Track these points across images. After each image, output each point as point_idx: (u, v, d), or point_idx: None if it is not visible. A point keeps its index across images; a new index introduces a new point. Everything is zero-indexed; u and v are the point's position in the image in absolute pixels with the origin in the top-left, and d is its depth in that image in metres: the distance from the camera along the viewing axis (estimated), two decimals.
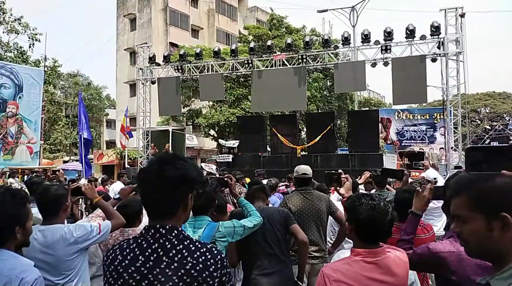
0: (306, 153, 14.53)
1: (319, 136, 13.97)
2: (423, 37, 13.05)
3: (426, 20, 13.55)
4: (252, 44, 15.55)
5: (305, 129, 17.22)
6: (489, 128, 33.78)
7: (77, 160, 26.13)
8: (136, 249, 1.35)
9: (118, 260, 1.36)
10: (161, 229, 1.35)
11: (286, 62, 14.82)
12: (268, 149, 15.57)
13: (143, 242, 1.36)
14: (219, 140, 19.45)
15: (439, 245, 1.91)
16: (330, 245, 3.94)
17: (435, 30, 12.79)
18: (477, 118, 40.30)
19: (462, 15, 12.95)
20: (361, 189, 4.90)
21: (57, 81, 30.04)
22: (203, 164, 16.34)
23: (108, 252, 1.42)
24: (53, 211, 2.50)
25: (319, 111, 22.52)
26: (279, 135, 14.70)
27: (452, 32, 13.12)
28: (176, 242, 1.35)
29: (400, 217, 2.77)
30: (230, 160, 15.17)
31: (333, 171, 2.64)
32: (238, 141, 15.40)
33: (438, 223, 4.91)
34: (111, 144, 34.27)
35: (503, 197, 1.00)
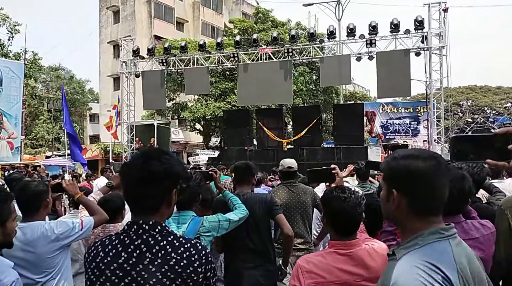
0: (292, 146, 14.58)
1: (305, 130, 14.03)
2: (407, 32, 13.19)
3: (410, 14, 13.69)
4: (237, 38, 15.45)
5: (291, 123, 17.26)
6: (471, 121, 34.48)
7: (60, 156, 25.67)
8: (119, 246, 1.33)
9: (100, 257, 1.33)
10: (144, 225, 1.33)
11: (272, 56, 14.78)
12: (255, 142, 15.56)
13: (126, 238, 1.33)
14: (208, 143, 19.38)
15: None
16: (315, 237, 3.99)
17: (419, 24, 12.94)
18: (459, 111, 41.09)
19: (445, 10, 13.13)
20: (346, 182, 4.94)
21: (38, 75, 29.33)
22: (190, 159, 16.26)
23: (90, 249, 1.39)
24: (33, 208, 2.44)
25: (305, 104, 22.59)
26: (265, 129, 14.70)
27: (435, 26, 13.30)
28: (159, 238, 1.32)
29: None
30: (216, 155, 15.15)
31: (323, 168, 2.60)
32: (220, 138, 15.38)
33: None
34: (94, 138, 33.75)
35: (397, 176, 1.17)
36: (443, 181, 1.14)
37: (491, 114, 39.37)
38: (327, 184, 2.61)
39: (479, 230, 1.96)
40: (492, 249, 1.98)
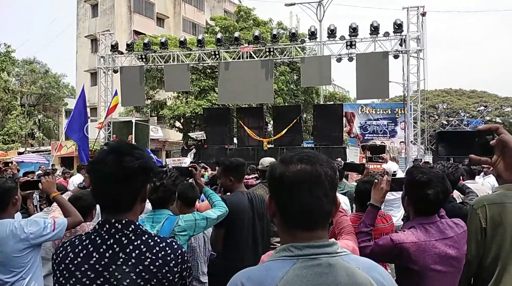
0: (273, 146, 14.62)
1: (286, 129, 14.09)
2: (386, 34, 13.43)
3: (390, 17, 14.00)
4: (219, 35, 15.36)
5: (271, 122, 17.29)
6: (446, 123, 35.47)
7: (34, 152, 24.87)
8: (90, 246, 1.28)
9: (69, 258, 1.28)
10: (116, 224, 1.28)
11: (253, 55, 14.77)
12: (235, 141, 15.52)
13: (97, 238, 1.28)
14: (189, 133, 19.14)
15: (401, 236, 1.96)
16: None
17: (398, 27, 13.20)
18: (435, 113, 42.18)
19: (423, 14, 13.45)
20: None
21: (11, 68, 28.31)
22: (168, 160, 15.98)
23: (58, 249, 1.32)
24: (1, 205, 2.34)
25: (286, 104, 22.69)
26: (246, 128, 14.68)
27: (413, 30, 13.60)
28: (133, 238, 1.28)
29: (361, 207, 2.85)
30: (192, 154, 15.02)
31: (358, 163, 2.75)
32: (203, 132, 15.25)
33: (397, 213, 5.09)
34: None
35: (268, 180, 1.08)
36: (310, 191, 0.99)
37: (465, 117, 40.64)
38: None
39: (453, 229, 2.01)
40: (465, 247, 2.02)
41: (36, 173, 9.06)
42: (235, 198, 2.79)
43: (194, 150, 15.90)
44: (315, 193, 0.99)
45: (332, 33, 13.69)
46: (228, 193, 2.95)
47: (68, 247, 1.30)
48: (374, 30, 13.31)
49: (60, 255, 1.30)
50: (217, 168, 3.00)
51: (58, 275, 1.29)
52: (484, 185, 4.11)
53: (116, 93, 14.34)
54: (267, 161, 3.82)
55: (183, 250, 1.35)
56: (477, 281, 2.29)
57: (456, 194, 3.31)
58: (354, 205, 3.27)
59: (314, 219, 1.01)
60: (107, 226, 1.29)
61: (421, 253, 1.90)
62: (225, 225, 2.63)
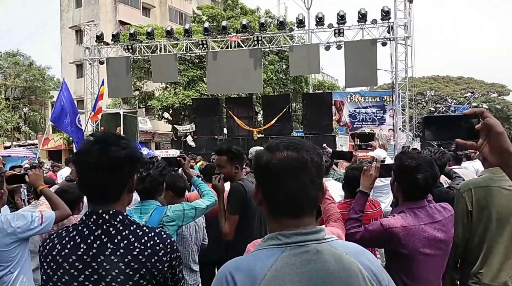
0: (263, 135, 14.63)
1: (275, 119, 14.10)
2: (374, 21, 13.42)
3: (377, 4, 13.94)
4: (206, 25, 15.18)
5: (261, 112, 17.26)
6: (434, 110, 35.89)
7: (20, 146, 24.48)
8: (77, 237, 1.27)
9: (56, 250, 1.26)
10: (104, 215, 1.27)
11: (241, 44, 14.65)
12: (225, 131, 15.48)
13: (85, 229, 1.27)
14: (175, 125, 18.98)
15: (391, 221, 1.99)
16: None
17: (385, 14, 13.19)
18: (423, 100, 42.58)
19: (411, 1, 13.46)
20: None
21: None
22: (157, 152, 15.86)
23: (45, 241, 1.31)
24: None
25: (275, 93, 22.66)
26: (235, 118, 14.64)
27: (401, 17, 13.61)
28: (121, 228, 1.28)
29: (350, 194, 2.87)
30: (193, 144, 14.91)
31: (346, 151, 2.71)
32: (193, 124, 15.13)
33: (386, 200, 5.16)
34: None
35: (254, 168, 1.08)
36: (296, 177, 0.98)
37: (453, 104, 41.14)
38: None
39: (441, 213, 2.04)
40: (452, 231, 2.07)
41: (23, 166, 8.93)
42: (249, 185, 2.68)
43: (190, 138, 15.72)
44: (301, 180, 0.99)
45: (320, 21, 13.63)
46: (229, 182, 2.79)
47: (55, 239, 1.29)
48: (362, 17, 13.29)
49: (47, 247, 1.29)
50: (216, 157, 2.81)
51: (46, 267, 1.28)
52: (468, 169, 4.18)
53: (103, 83, 13.96)
54: (256, 150, 3.82)
55: (172, 239, 1.35)
56: (464, 262, 2.35)
57: (443, 179, 3.37)
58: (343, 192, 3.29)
59: (301, 206, 1.01)
60: (95, 217, 1.28)
61: (411, 237, 1.93)
62: (241, 212, 2.55)
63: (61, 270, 1.24)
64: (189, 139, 15.19)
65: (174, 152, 16.20)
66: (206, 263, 3.30)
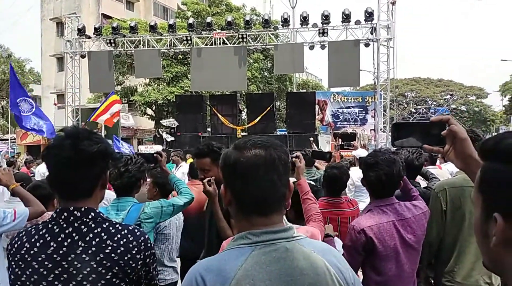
0: (246, 133, 14.61)
1: (259, 117, 14.10)
2: (357, 22, 13.56)
3: (361, 5, 14.09)
4: (191, 20, 15.06)
5: (245, 110, 17.25)
6: (414, 111, 36.61)
7: (1, 140, 23.75)
8: (47, 235, 1.23)
9: (25, 248, 1.23)
10: (75, 212, 1.25)
11: (226, 41, 14.58)
12: (208, 129, 15.40)
13: (55, 227, 1.24)
14: (161, 120, 18.75)
15: (360, 221, 2.02)
16: None
17: (369, 16, 13.35)
18: (404, 101, 43.35)
19: (394, 3, 13.66)
20: None
21: None
22: (142, 147, 15.67)
23: (13, 240, 1.27)
24: None
25: (260, 92, 22.67)
26: (219, 115, 14.58)
27: (384, 18, 13.81)
28: (93, 225, 1.25)
29: (329, 192, 2.90)
30: (170, 137, 14.77)
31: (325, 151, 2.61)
32: (175, 120, 14.98)
33: (366, 199, 5.22)
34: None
35: (221, 167, 1.07)
36: (265, 175, 0.99)
37: (432, 105, 42.02)
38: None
39: (411, 211, 2.08)
40: (423, 228, 2.10)
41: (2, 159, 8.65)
42: None
43: (169, 137, 15.59)
44: (270, 177, 1.00)
45: (304, 20, 13.69)
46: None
47: (24, 237, 1.26)
48: (346, 18, 13.42)
49: (16, 245, 1.25)
50: (196, 160, 2.46)
51: (14, 266, 1.24)
52: (443, 170, 4.29)
53: (113, 93, 12.74)
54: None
55: (146, 236, 1.33)
56: (437, 261, 2.40)
57: (419, 179, 3.43)
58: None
59: (269, 204, 1.01)
60: (65, 214, 1.25)
61: (381, 234, 1.96)
62: None
63: (30, 269, 1.21)
64: (166, 135, 15.04)
65: (158, 148, 16.02)
66: (188, 259, 3.29)
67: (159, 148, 15.63)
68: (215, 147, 2.37)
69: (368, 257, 2.01)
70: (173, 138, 14.74)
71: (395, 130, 1.17)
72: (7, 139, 24.81)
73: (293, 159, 2.23)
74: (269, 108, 14.19)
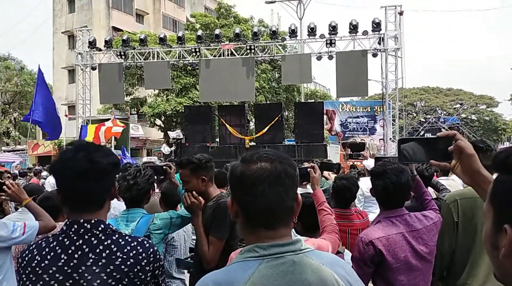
0: (255, 143, 14.61)
1: (267, 127, 14.10)
2: (365, 33, 13.59)
3: (368, 16, 14.14)
4: (199, 32, 15.24)
5: (253, 120, 17.30)
6: (424, 120, 36.32)
7: (9, 151, 24.13)
8: (57, 248, 1.24)
9: (36, 261, 1.24)
10: (85, 224, 1.26)
11: (234, 52, 14.71)
12: (217, 139, 15.45)
13: (65, 239, 1.25)
14: (168, 131, 18.92)
15: (369, 233, 1.99)
16: None
17: (376, 26, 13.38)
18: (413, 111, 43.12)
19: (401, 13, 13.68)
20: None
21: None
22: (144, 159, 15.78)
23: (24, 252, 1.28)
24: None
25: (268, 102, 22.74)
26: (227, 126, 14.62)
27: (391, 29, 13.82)
28: (103, 237, 1.26)
29: (338, 203, 2.88)
30: (171, 152, 14.86)
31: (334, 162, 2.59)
32: (181, 130, 15.06)
33: (376, 210, 5.16)
34: (47, 134, 31.93)
35: (229, 179, 1.08)
36: (270, 188, 0.99)
37: (442, 114, 41.68)
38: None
39: (422, 222, 2.04)
40: (434, 239, 2.06)
41: (12, 171, 8.75)
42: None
43: (168, 149, 15.74)
44: (275, 190, 1.00)
45: (312, 31, 13.77)
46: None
47: (35, 250, 1.27)
48: (353, 28, 13.46)
49: (26, 258, 1.26)
50: (179, 170, 2.41)
51: (25, 279, 1.25)
52: (455, 180, 4.23)
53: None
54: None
55: (155, 248, 1.34)
56: (449, 274, 2.35)
57: (430, 190, 3.39)
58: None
59: (276, 217, 1.01)
60: (76, 226, 1.26)
61: (390, 246, 1.93)
62: (227, 236, 2.21)
63: (41, 282, 1.22)
64: (164, 147, 15.12)
65: (155, 158, 16.11)
66: (196, 271, 3.28)
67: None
68: (194, 158, 2.31)
69: (378, 269, 1.98)
70: (172, 149, 14.80)
71: (401, 146, 1.17)
72: (19, 150, 25.23)
73: (308, 169, 2.24)
74: (277, 118, 14.19)
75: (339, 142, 20.80)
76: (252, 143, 14.64)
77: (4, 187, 2.42)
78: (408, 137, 1.29)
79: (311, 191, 2.26)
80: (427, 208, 2.23)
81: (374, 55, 13.90)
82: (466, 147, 1.07)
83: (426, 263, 2.02)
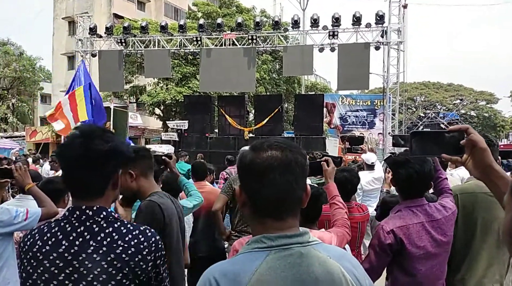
0: (254, 135, 14.59)
1: (267, 119, 14.07)
2: (368, 25, 13.49)
3: (372, 8, 14.08)
4: (201, 21, 15.11)
5: (253, 111, 17.25)
6: (423, 115, 36.30)
7: (7, 137, 24.04)
8: (59, 233, 1.23)
9: (37, 246, 1.23)
10: (87, 211, 1.24)
11: (236, 42, 14.60)
12: (216, 130, 15.42)
13: (67, 225, 1.24)
14: (167, 121, 18.87)
15: (389, 222, 2.00)
16: None
17: (380, 19, 13.28)
18: (413, 105, 43.02)
19: (405, 6, 13.58)
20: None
21: None
22: (152, 146, 15.73)
23: (25, 237, 1.27)
24: None
25: (268, 93, 22.65)
26: (227, 116, 14.58)
27: (395, 22, 13.72)
28: (105, 225, 1.25)
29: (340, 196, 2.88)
30: (176, 138, 14.86)
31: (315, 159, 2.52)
32: (186, 122, 15.02)
33: (373, 204, 5.19)
34: (46, 120, 31.80)
35: (238, 168, 1.06)
36: (280, 177, 0.97)
37: (442, 110, 41.64)
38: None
39: (441, 212, 2.05)
40: (452, 229, 2.07)
41: (11, 158, 8.73)
42: (168, 203, 2.00)
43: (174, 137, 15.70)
44: (285, 179, 0.98)
45: (315, 22, 13.66)
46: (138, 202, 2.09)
47: (36, 235, 1.26)
48: (357, 20, 13.35)
49: (28, 243, 1.25)
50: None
51: (26, 263, 1.24)
52: (453, 176, 4.24)
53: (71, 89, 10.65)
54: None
55: (157, 237, 1.33)
56: (448, 268, 2.37)
57: None
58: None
59: (284, 207, 1.00)
60: (78, 212, 1.25)
61: (411, 235, 1.94)
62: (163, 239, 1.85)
63: (41, 268, 1.21)
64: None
65: (167, 147, 16.11)
66: (196, 259, 3.32)
67: (167, 147, 15.71)
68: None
69: (397, 258, 1.99)
70: (172, 138, 14.77)
71: (412, 139, 1.16)
72: (17, 137, 25.14)
73: (321, 163, 2.21)
74: (277, 110, 14.15)
75: (338, 136, 20.80)
76: (251, 135, 14.62)
77: (13, 169, 2.45)
78: (420, 131, 1.28)
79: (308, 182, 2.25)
80: (440, 187, 2.22)
81: (377, 48, 13.81)
82: (479, 141, 1.06)
83: (444, 253, 2.04)
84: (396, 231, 1.94)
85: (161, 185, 2.85)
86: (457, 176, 4.35)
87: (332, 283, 0.94)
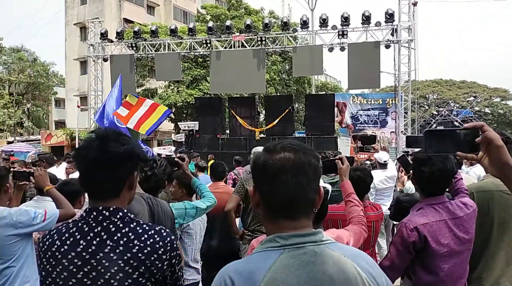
0: (265, 135, 14.60)
1: (278, 119, 14.07)
2: (378, 24, 13.39)
3: (381, 6, 13.92)
4: (210, 24, 15.19)
5: (263, 112, 17.26)
6: (436, 113, 35.75)
7: (23, 141, 24.52)
8: (77, 233, 1.27)
9: (56, 246, 1.26)
10: (104, 211, 1.27)
11: (245, 44, 14.65)
12: (227, 131, 15.47)
13: (84, 226, 1.27)
14: (178, 123, 19.00)
15: (412, 220, 1.99)
16: None
17: (389, 17, 13.16)
18: (425, 103, 42.47)
19: (415, 4, 13.43)
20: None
21: None
22: (157, 149, 15.90)
23: (44, 237, 1.31)
24: None
25: (278, 94, 22.64)
26: (237, 117, 14.62)
27: (405, 20, 13.58)
28: (121, 225, 1.28)
29: None
30: (183, 140, 14.97)
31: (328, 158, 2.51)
32: (197, 122, 15.12)
33: (387, 202, 5.15)
34: (60, 124, 32.41)
35: (251, 168, 1.10)
36: (293, 178, 0.98)
37: (455, 107, 40.98)
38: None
39: (462, 209, 2.03)
40: (474, 226, 2.05)
41: (27, 162, 8.89)
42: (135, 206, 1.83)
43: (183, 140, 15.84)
44: (298, 181, 0.99)
45: (324, 22, 13.61)
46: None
47: (55, 235, 1.29)
48: (366, 19, 13.26)
49: (47, 242, 1.29)
50: None
51: (45, 263, 1.28)
52: (469, 174, 4.19)
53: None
54: (259, 150, 3.82)
55: (172, 237, 1.35)
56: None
57: None
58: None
59: (297, 207, 1.01)
60: (95, 213, 1.28)
61: (434, 233, 1.93)
62: None
63: (60, 267, 1.24)
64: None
65: (172, 148, 16.23)
66: (212, 257, 3.35)
67: (169, 148, 15.80)
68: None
69: (420, 256, 1.97)
70: (182, 139, 14.85)
71: (427, 137, 1.16)
72: (33, 140, 25.63)
73: (336, 161, 2.21)
74: (287, 110, 14.12)
75: (350, 135, 20.67)
76: (262, 135, 14.62)
77: (34, 171, 2.55)
78: (435, 129, 1.27)
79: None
80: (456, 187, 2.21)
81: (387, 46, 13.70)
82: (495, 139, 1.05)
83: (466, 251, 2.02)
84: (420, 228, 1.92)
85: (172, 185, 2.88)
86: (473, 174, 4.29)
87: (347, 281, 0.94)
